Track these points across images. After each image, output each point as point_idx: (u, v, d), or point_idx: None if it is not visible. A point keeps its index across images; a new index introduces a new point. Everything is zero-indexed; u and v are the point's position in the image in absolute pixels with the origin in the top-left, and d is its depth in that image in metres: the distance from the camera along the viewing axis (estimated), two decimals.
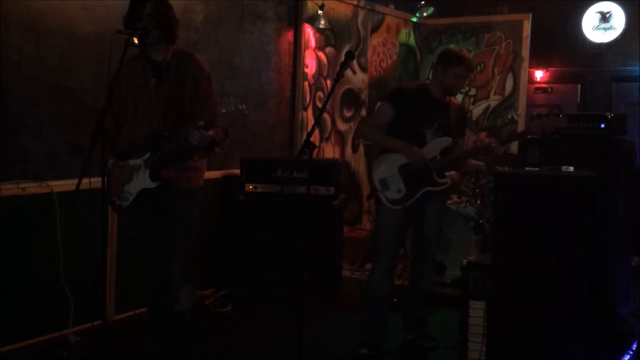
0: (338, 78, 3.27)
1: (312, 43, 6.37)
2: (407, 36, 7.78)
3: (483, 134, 4.10)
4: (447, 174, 4.10)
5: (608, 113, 4.34)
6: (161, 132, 3.32)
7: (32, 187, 4.03)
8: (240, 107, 3.26)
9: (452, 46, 4.17)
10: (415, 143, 3.93)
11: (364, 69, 7.09)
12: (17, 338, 4.01)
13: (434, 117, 3.98)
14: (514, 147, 6.85)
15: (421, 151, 3.91)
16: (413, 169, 3.91)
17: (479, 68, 7.69)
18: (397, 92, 4.09)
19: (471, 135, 7.55)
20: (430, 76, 4.13)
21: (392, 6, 7.50)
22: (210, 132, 3.23)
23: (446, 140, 3.98)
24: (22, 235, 4.03)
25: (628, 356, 4.17)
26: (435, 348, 4.22)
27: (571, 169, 3.62)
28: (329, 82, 6.59)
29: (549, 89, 8.43)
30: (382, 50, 7.38)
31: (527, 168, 3.95)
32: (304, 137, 6.19)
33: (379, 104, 4.22)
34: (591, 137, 4.32)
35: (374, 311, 4.07)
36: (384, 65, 7.43)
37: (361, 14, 6.97)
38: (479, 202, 5.89)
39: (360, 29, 6.98)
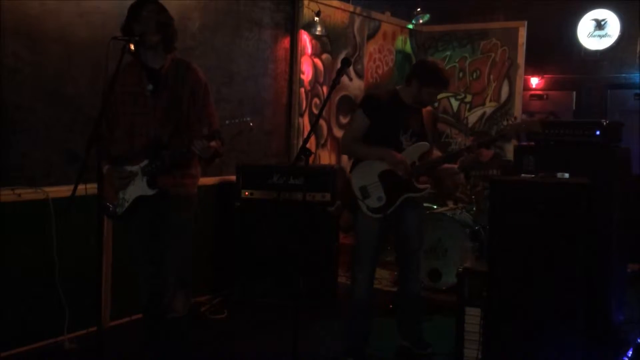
0: (334, 85, 3.27)
1: (309, 50, 6.39)
2: (403, 43, 7.81)
3: (471, 139, 4.10)
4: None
5: (603, 120, 4.35)
6: (159, 141, 3.32)
7: (28, 193, 4.03)
8: (245, 119, 3.27)
9: (430, 60, 4.10)
10: (392, 149, 3.91)
11: (360, 75, 7.10)
12: (11, 344, 4.00)
13: (408, 123, 3.96)
14: (509, 154, 6.89)
15: (403, 157, 3.90)
16: (397, 175, 3.90)
17: (474, 75, 7.72)
18: (368, 100, 4.05)
19: (467, 141, 7.58)
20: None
21: (388, 13, 7.52)
22: (213, 143, 3.23)
23: (424, 146, 3.96)
24: (18, 241, 4.02)
25: None
26: (431, 355, 4.21)
27: (566, 175, 3.63)
28: (325, 88, 6.60)
29: (545, 96, 8.46)
30: (378, 57, 7.40)
31: (522, 175, 3.96)
32: (300, 143, 6.22)
33: (353, 113, 4.19)
34: (586, 144, 4.33)
35: (359, 319, 4.06)
36: (380, 71, 7.44)
37: (357, 20, 6.99)
38: (474, 208, 5.90)
39: (357, 35, 7.00)
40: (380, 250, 4.12)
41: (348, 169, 6.91)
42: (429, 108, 4.12)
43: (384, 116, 3.93)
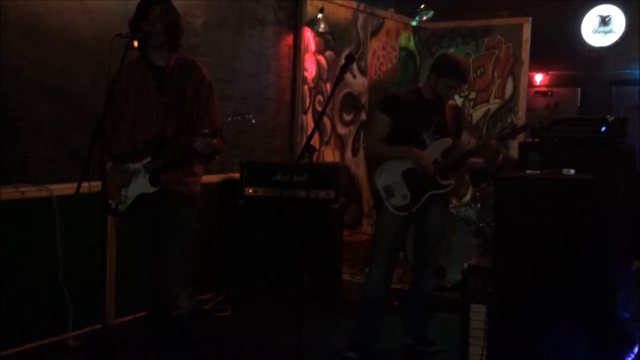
0: (338, 81, 3.26)
1: (312, 47, 6.37)
2: (406, 40, 7.79)
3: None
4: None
5: (609, 116, 4.32)
6: (162, 138, 3.31)
7: (31, 191, 4.03)
8: (247, 116, 3.27)
9: (450, 53, 4.13)
10: (416, 147, 3.91)
11: (363, 72, 7.09)
12: (16, 342, 4.01)
13: (431, 120, 3.96)
14: (514, 151, 6.87)
15: (425, 154, 3.90)
16: (421, 173, 3.89)
17: (478, 72, 7.69)
18: (389, 100, 4.06)
19: (471, 138, 7.56)
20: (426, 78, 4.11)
21: (391, 10, 7.50)
22: (215, 141, 3.22)
23: (446, 142, 3.97)
24: (22, 239, 4.02)
25: (629, 359, 4.15)
26: (436, 352, 4.20)
27: (572, 172, 3.61)
28: (328, 85, 6.59)
29: (549, 93, 8.44)
30: (381, 54, 7.38)
31: (527, 171, 3.94)
32: (304, 140, 6.20)
33: (374, 114, 4.20)
34: (592, 140, 4.30)
35: (369, 315, 4.06)
36: (383, 69, 7.43)
37: (361, 17, 6.98)
38: (479, 205, 5.87)
39: (360, 32, 6.99)
40: (399, 250, 4.11)
41: (352, 166, 6.93)
42: (451, 103, 4.12)
43: (405, 115, 3.93)
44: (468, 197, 6.09)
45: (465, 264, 3.86)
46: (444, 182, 3.98)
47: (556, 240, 3.39)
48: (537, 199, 3.44)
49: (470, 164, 4.15)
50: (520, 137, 6.87)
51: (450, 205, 5.84)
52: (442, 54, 4.29)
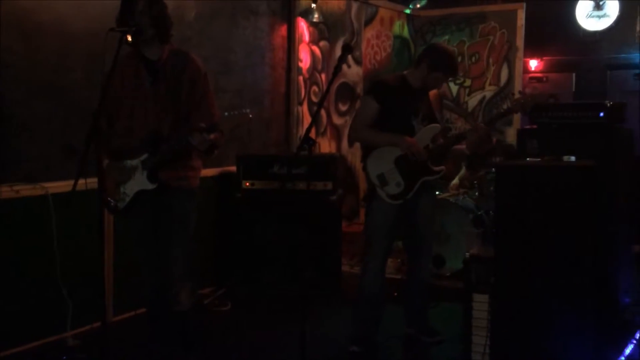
0: (336, 72, 3.22)
1: (306, 37, 6.32)
2: (400, 28, 7.74)
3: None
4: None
5: (607, 101, 4.30)
6: (159, 133, 3.27)
7: (26, 190, 3.98)
8: (244, 110, 3.22)
9: (441, 45, 4.14)
10: (405, 134, 3.88)
11: (358, 62, 7.04)
12: (14, 342, 3.97)
13: (418, 107, 3.95)
14: (511, 138, 6.85)
15: (415, 141, 3.86)
16: (413, 160, 3.86)
17: (473, 59, 7.66)
18: (377, 85, 4.02)
19: (467, 126, 7.53)
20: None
21: None
22: (212, 136, 3.17)
23: (435, 128, 3.94)
24: (18, 239, 3.98)
25: (631, 345, 4.15)
26: (440, 342, 4.18)
27: (572, 158, 3.59)
28: (323, 76, 6.54)
29: (544, 78, 8.42)
30: (376, 42, 7.34)
31: (527, 159, 3.92)
32: (300, 132, 6.17)
33: (361, 100, 4.19)
34: (590, 126, 4.28)
35: (368, 308, 4.03)
36: (378, 58, 7.39)
37: (354, 6, 6.93)
38: (477, 193, 5.85)
39: (354, 21, 6.94)
40: (394, 239, 4.09)
41: (349, 157, 6.90)
42: (435, 90, 4.09)
43: (394, 101, 3.90)
44: (456, 181, 6.06)
45: (467, 254, 3.84)
46: (436, 169, 3.96)
47: (558, 227, 3.37)
48: (539, 187, 3.42)
49: (457, 150, 4.13)
50: (518, 124, 6.87)
51: (447, 194, 5.83)
52: (434, 45, 4.26)
